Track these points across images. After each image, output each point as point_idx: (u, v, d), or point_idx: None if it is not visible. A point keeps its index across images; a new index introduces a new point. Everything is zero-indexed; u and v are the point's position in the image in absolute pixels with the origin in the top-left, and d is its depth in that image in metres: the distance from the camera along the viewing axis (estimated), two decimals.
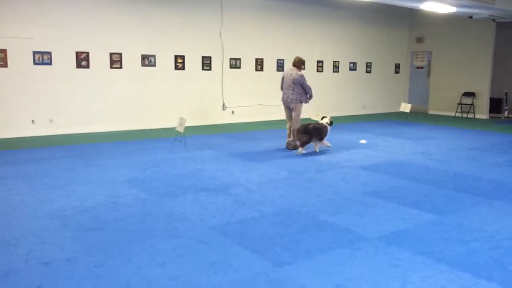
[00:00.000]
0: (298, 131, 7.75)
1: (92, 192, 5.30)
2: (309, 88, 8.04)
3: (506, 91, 14.47)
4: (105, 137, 9.29)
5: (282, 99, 8.26)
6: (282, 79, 8.22)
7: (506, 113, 14.39)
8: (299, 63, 8.15)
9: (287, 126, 8.32)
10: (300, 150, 7.79)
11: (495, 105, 14.41)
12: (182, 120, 7.84)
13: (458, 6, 10.80)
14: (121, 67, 10.05)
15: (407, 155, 7.95)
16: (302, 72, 8.13)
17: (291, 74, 8.10)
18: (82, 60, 9.56)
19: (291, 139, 8.22)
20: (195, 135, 9.56)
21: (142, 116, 10.46)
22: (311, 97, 8.17)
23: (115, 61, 9.97)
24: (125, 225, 4.22)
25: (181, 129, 7.78)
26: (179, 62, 10.88)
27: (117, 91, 10.06)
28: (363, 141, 9.11)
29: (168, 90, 10.76)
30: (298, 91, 8.02)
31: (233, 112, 11.96)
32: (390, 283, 3.18)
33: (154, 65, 10.49)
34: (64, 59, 9.37)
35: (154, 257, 3.52)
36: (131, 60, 10.17)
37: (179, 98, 10.95)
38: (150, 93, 10.51)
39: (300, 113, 8.18)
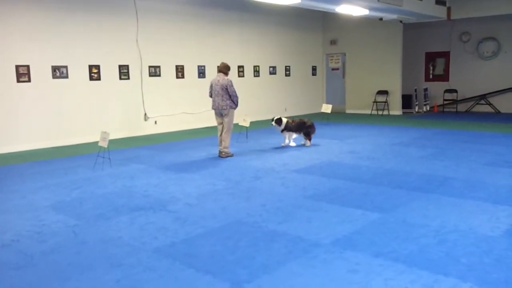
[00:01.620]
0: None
1: (11, 222, 4.68)
2: (235, 95, 7.87)
3: (415, 87, 15.43)
4: (16, 158, 8.42)
5: (213, 107, 8.02)
6: (211, 86, 7.98)
7: (416, 108, 15.33)
8: (225, 69, 7.98)
9: (219, 134, 8.08)
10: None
11: (407, 101, 15.29)
12: (105, 134, 7.29)
13: (370, 8, 11.27)
14: (29, 80, 9.18)
15: (336, 155, 8.07)
16: (229, 77, 7.97)
17: (218, 81, 7.89)
18: None
19: (222, 146, 8.00)
20: (118, 149, 8.99)
21: (56, 132, 9.64)
22: (236, 103, 7.99)
23: (22, 74, 9.09)
24: (57, 258, 3.74)
25: (104, 144, 7.24)
26: (94, 72, 10.20)
27: (26, 106, 9.17)
28: (292, 144, 9.13)
29: (83, 102, 10.04)
30: (227, 97, 7.84)
31: (156, 122, 11.47)
32: None
33: (66, 76, 9.73)
34: None
35: None
36: (40, 73, 9.34)
37: (97, 111, 10.27)
38: (64, 107, 9.72)
39: (233, 119, 7.99)
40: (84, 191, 5.90)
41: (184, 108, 11.99)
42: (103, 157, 7.50)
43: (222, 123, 8.00)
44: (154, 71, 11.33)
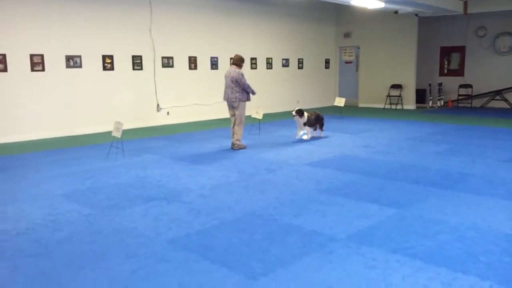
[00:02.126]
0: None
1: (25, 210, 4.70)
2: (248, 86, 7.80)
3: (429, 82, 15.23)
4: (29, 146, 8.46)
5: (224, 98, 7.99)
6: (225, 77, 7.95)
7: (430, 103, 15.14)
8: (239, 61, 7.93)
9: (231, 125, 8.04)
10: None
11: (420, 96, 15.12)
12: (118, 124, 7.29)
13: (387, 1, 11.11)
14: (43, 70, 9.21)
15: (350, 149, 7.99)
16: (242, 70, 7.91)
17: (230, 73, 7.86)
18: None
19: (235, 139, 7.96)
20: (131, 139, 8.99)
21: (70, 121, 9.67)
22: (252, 93, 7.95)
23: (36, 63, 9.11)
24: (72, 247, 3.74)
25: (118, 134, 7.23)
26: (108, 62, 10.20)
27: (40, 95, 9.20)
28: (305, 137, 9.06)
29: (97, 92, 10.05)
30: (237, 90, 7.79)
31: (168, 113, 11.46)
32: (373, 286, 3.04)
33: (80, 66, 9.74)
34: None
35: (113, 284, 3.11)
36: (54, 62, 9.35)
37: (110, 101, 10.27)
38: (77, 96, 9.74)
39: (244, 112, 7.94)
40: (98, 180, 5.90)
41: (196, 100, 11.96)
42: (117, 147, 7.50)
43: (234, 115, 7.95)
44: (167, 62, 11.29)
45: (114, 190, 5.44)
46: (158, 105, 11.21)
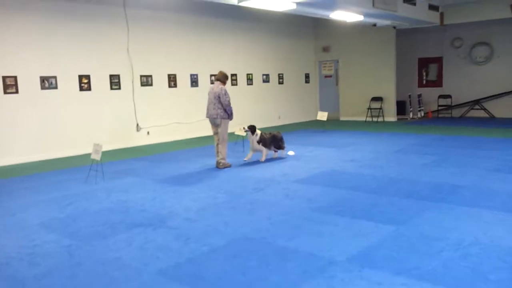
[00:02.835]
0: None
1: None
2: (228, 103, 7.57)
3: (409, 93, 15.32)
4: (3, 173, 8.04)
5: (206, 115, 7.78)
6: (208, 94, 7.76)
7: (411, 115, 15.21)
8: (223, 78, 7.77)
9: (215, 143, 7.81)
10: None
11: (401, 108, 15.17)
12: (97, 146, 6.98)
13: (365, 14, 11.13)
14: (17, 92, 8.84)
15: (337, 164, 7.83)
16: (226, 87, 7.73)
17: (213, 89, 7.70)
18: None
19: (220, 157, 7.73)
20: (111, 161, 8.65)
21: (46, 145, 9.28)
22: (231, 113, 7.71)
23: (9, 85, 8.74)
24: (51, 282, 3.43)
25: (97, 157, 6.92)
26: (84, 83, 9.88)
27: (14, 119, 8.81)
28: (291, 153, 8.88)
29: (74, 113, 9.70)
30: (220, 106, 7.60)
31: (148, 132, 11.16)
32: None
33: (55, 87, 9.39)
34: None
35: None
36: (28, 83, 8.99)
37: (88, 122, 9.92)
38: (53, 118, 9.37)
39: (226, 130, 7.73)
40: (77, 207, 5.57)
41: (176, 118, 11.69)
42: (96, 170, 7.17)
43: (217, 133, 7.74)
44: (146, 81, 11.03)
45: (95, 217, 5.12)
46: (137, 124, 10.91)
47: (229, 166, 7.79)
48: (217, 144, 7.75)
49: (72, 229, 4.72)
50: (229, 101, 7.59)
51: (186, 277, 3.46)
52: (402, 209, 5.03)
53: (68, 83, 9.58)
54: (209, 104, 7.72)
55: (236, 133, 9.39)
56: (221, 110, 7.61)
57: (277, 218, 4.86)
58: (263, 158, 8.22)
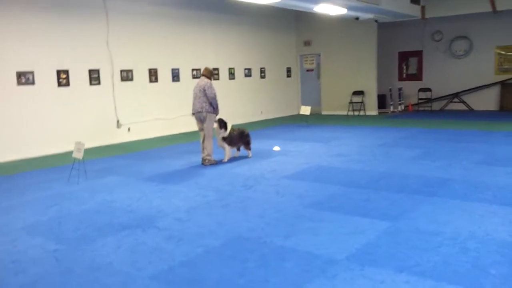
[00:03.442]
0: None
1: None
2: (214, 96, 7.44)
3: (390, 87, 15.40)
4: None
5: (192, 111, 7.63)
6: (194, 89, 7.61)
7: (391, 108, 15.29)
8: (208, 74, 7.66)
9: (201, 140, 7.66)
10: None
11: (381, 101, 15.22)
12: (79, 144, 6.73)
13: (349, 8, 11.09)
14: None
15: (324, 159, 7.78)
16: (211, 81, 7.60)
17: (198, 83, 7.56)
18: None
19: (205, 154, 7.57)
20: (92, 159, 8.39)
21: (24, 143, 8.93)
22: (216, 107, 7.58)
23: None
24: None
25: (79, 155, 6.68)
26: (63, 78, 9.55)
27: None
28: (276, 148, 8.79)
29: (52, 110, 9.37)
30: (205, 100, 7.47)
31: (129, 129, 10.89)
32: None
33: (32, 83, 9.06)
34: None
35: None
36: (3, 79, 8.64)
37: (67, 119, 9.61)
38: (31, 115, 9.03)
39: (212, 125, 7.58)
40: (61, 208, 5.36)
41: (158, 114, 11.46)
42: (78, 169, 6.93)
43: (203, 129, 7.58)
44: (126, 75, 10.76)
45: (80, 219, 4.93)
46: (118, 121, 10.64)
47: (215, 162, 7.65)
48: (203, 141, 7.59)
49: (57, 232, 4.52)
50: (215, 94, 7.46)
51: (181, 281, 3.32)
52: (395, 204, 4.99)
53: (45, 79, 9.25)
54: (194, 99, 7.58)
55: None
56: (206, 103, 7.47)
57: (271, 216, 4.76)
58: (226, 159, 7.75)
